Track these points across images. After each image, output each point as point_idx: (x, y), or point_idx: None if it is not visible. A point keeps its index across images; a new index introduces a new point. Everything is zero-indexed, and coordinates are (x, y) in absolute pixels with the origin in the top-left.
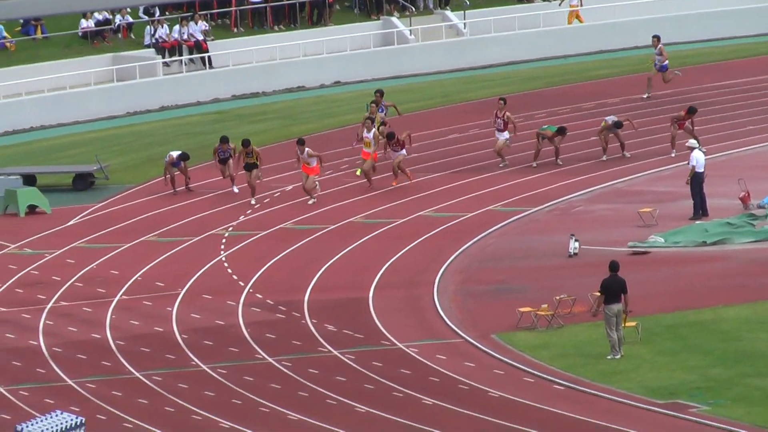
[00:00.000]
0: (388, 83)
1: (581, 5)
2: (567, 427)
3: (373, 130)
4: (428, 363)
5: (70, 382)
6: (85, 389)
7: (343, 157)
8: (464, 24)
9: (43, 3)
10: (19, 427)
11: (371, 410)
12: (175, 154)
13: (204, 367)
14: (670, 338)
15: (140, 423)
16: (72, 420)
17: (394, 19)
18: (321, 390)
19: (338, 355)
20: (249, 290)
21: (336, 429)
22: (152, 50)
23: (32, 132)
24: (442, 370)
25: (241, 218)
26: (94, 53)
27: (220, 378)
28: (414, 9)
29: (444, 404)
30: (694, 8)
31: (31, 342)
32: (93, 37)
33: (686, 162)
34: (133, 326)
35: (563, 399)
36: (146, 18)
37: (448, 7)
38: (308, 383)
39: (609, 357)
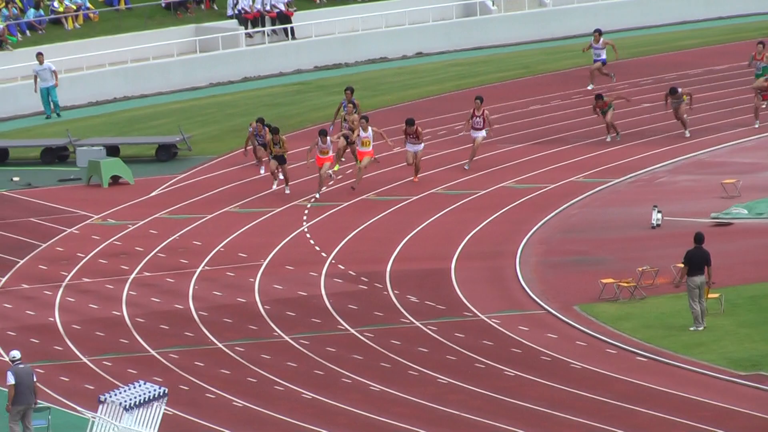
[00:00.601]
0: (469, 54)
1: None
2: (649, 398)
3: (369, 128)
4: (510, 334)
5: (153, 352)
6: (168, 359)
7: (426, 129)
8: None
9: None
10: (102, 397)
11: (453, 381)
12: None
13: (286, 337)
14: (752, 310)
15: (223, 393)
16: (155, 390)
17: None
18: (403, 361)
19: (420, 326)
20: (331, 261)
21: (418, 400)
22: (235, 21)
23: (115, 103)
24: (524, 341)
25: (324, 189)
26: (177, 24)
27: (302, 349)
28: None
29: (526, 375)
30: None
31: (114, 312)
32: (176, 8)
33: None
34: (216, 297)
35: (645, 371)
36: None
37: None
38: (390, 354)
39: (692, 329)
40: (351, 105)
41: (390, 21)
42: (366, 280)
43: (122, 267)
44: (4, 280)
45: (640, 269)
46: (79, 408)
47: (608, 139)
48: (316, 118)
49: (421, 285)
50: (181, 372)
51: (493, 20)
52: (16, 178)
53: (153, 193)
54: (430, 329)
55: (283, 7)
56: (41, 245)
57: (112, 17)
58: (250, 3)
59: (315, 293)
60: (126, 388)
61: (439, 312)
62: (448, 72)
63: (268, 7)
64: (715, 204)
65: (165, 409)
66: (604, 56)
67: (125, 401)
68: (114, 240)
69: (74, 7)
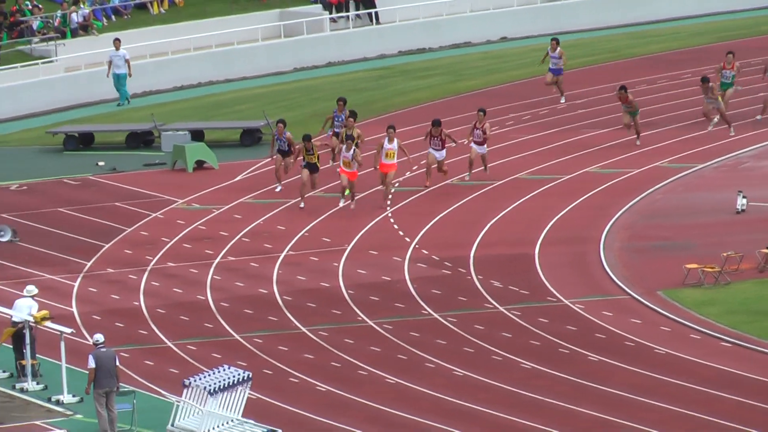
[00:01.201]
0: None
1: None
2: (733, 384)
3: (395, 140)
4: (594, 319)
5: (237, 336)
6: (252, 344)
7: (509, 113)
8: None
9: None
10: (187, 381)
11: (537, 366)
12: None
13: (369, 322)
14: None
15: (306, 378)
16: (239, 374)
17: None
18: (486, 346)
19: (504, 311)
20: (415, 246)
21: (501, 385)
22: (319, 6)
23: (200, 87)
24: (608, 326)
25: (408, 174)
26: (262, 9)
27: (385, 333)
28: None
29: (610, 361)
30: None
31: (198, 297)
32: None
33: None
34: (300, 281)
35: (730, 356)
36: None
37: None
38: (474, 339)
39: None
40: (351, 119)
41: (475, 6)
42: (450, 265)
43: (207, 251)
44: (89, 264)
45: (725, 254)
46: (163, 392)
47: (638, 143)
48: (399, 104)
49: (505, 270)
50: (265, 356)
51: (579, 4)
52: (101, 163)
53: (237, 178)
54: (513, 314)
55: None
56: (126, 230)
57: (198, 2)
58: None
59: (399, 278)
60: (210, 372)
61: (523, 297)
62: (532, 57)
63: None
64: None
65: (249, 394)
66: (561, 66)
67: (209, 385)
68: (198, 224)
69: None
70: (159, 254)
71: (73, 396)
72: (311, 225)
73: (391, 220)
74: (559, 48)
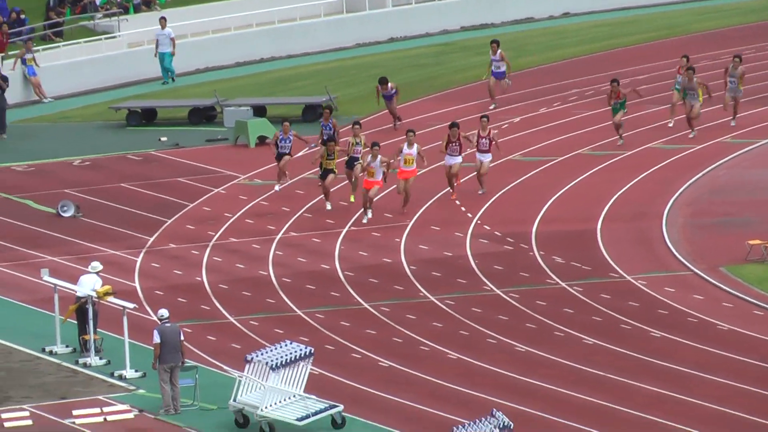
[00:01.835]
0: (616, 15)
1: None
2: None
3: (415, 145)
4: (656, 295)
5: (299, 312)
6: (314, 319)
7: (572, 89)
8: None
9: None
10: (249, 357)
11: (599, 342)
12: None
13: (432, 298)
14: None
15: (368, 353)
16: (301, 350)
17: None
18: (548, 322)
19: (566, 287)
20: (477, 222)
21: (564, 361)
22: None
23: (262, 63)
24: (671, 302)
25: (468, 150)
26: None
27: (447, 309)
28: None
29: (672, 337)
30: None
31: (261, 272)
32: None
33: None
34: (362, 257)
35: None
36: None
37: None
38: (536, 315)
39: None
40: (357, 126)
41: None
42: (512, 240)
43: (269, 227)
44: (151, 239)
45: None
46: (225, 367)
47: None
48: (460, 80)
49: (567, 246)
50: (326, 332)
51: None
52: (163, 138)
53: (299, 154)
54: (575, 290)
55: None
56: (188, 205)
57: None
58: None
59: (461, 254)
60: (272, 347)
61: (585, 273)
62: (594, 33)
63: None
64: None
65: (311, 369)
66: (503, 69)
67: (272, 361)
68: (260, 200)
69: None
70: (221, 230)
71: (136, 371)
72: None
73: (453, 196)
74: (500, 50)
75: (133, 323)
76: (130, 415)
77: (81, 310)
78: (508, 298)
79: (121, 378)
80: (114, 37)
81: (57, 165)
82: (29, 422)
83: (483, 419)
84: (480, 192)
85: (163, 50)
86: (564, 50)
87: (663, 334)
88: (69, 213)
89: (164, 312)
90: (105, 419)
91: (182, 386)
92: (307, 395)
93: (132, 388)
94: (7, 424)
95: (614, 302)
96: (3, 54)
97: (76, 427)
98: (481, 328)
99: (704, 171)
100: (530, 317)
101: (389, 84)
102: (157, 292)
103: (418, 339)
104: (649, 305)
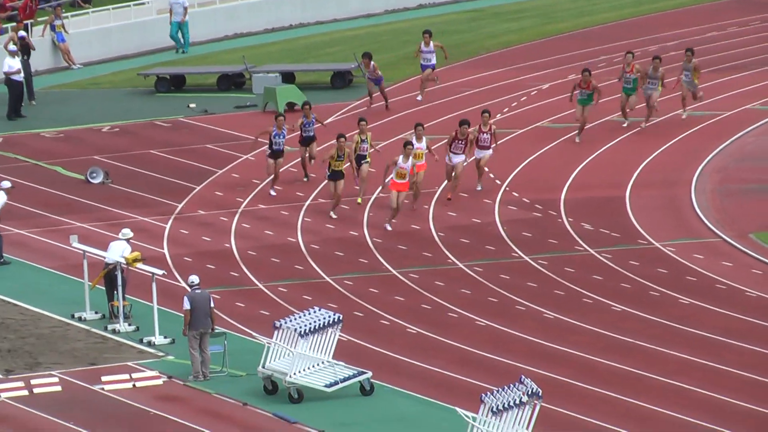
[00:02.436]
0: None
1: None
2: None
3: (424, 138)
4: (685, 262)
5: (327, 278)
6: (343, 286)
7: (600, 56)
8: None
9: None
10: (278, 323)
11: (627, 309)
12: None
13: (460, 264)
14: None
15: (397, 320)
16: (330, 316)
17: None
18: (577, 289)
19: (594, 253)
20: (505, 189)
21: (592, 328)
22: None
23: (291, 30)
24: (699, 269)
25: (498, 116)
26: None
27: (476, 276)
28: None
29: (701, 303)
30: None
31: (289, 239)
32: None
33: None
34: (392, 224)
35: None
36: None
37: None
38: (564, 282)
39: None
40: (363, 122)
41: None
42: (540, 207)
43: (297, 194)
44: (180, 206)
45: None
46: (254, 333)
47: (577, 140)
48: (490, 46)
49: (596, 213)
50: (355, 299)
51: None
52: (192, 105)
53: (328, 120)
54: (604, 257)
55: None
56: (217, 171)
57: None
58: None
59: (489, 220)
60: (301, 314)
61: (614, 240)
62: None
63: None
64: None
65: (339, 336)
66: (434, 61)
67: (300, 327)
68: (289, 167)
69: None
70: (250, 196)
71: (165, 337)
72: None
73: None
74: (432, 42)
75: (162, 290)
76: (159, 382)
77: (110, 276)
78: (536, 265)
79: (150, 344)
80: (143, 3)
81: (86, 131)
82: (58, 388)
83: (511, 386)
84: (478, 188)
85: (176, 19)
86: (594, 17)
87: (692, 300)
88: (98, 179)
89: (195, 278)
90: (134, 385)
91: (211, 353)
92: (335, 362)
93: (161, 354)
94: (36, 390)
95: (643, 269)
96: (32, 20)
97: (105, 393)
98: (509, 295)
99: (733, 138)
100: (559, 284)
101: (372, 63)
102: (185, 258)
103: (447, 306)
104: (678, 272)
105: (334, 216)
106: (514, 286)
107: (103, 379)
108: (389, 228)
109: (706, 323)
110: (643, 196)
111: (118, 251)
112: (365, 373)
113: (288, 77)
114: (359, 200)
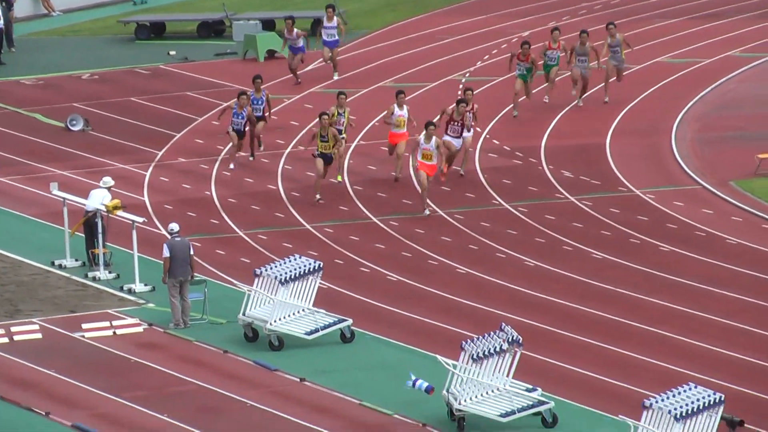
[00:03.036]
0: None
1: None
2: None
3: (405, 107)
4: (665, 209)
5: (308, 226)
6: (323, 233)
7: (582, 2)
8: None
9: None
10: (258, 271)
11: (607, 256)
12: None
13: (441, 212)
14: None
15: (377, 267)
16: (310, 264)
17: None
18: (557, 236)
19: (575, 201)
20: (486, 136)
21: (572, 275)
22: None
23: None
24: (680, 216)
25: (479, 64)
26: None
27: (456, 224)
28: None
29: (681, 251)
30: None
31: (269, 186)
32: None
33: None
34: (370, 171)
35: None
36: None
37: None
38: (545, 229)
39: None
40: (343, 96)
41: None
42: (520, 155)
43: (278, 141)
44: (161, 153)
45: None
46: (235, 281)
47: (514, 115)
48: None
49: (576, 160)
50: (335, 246)
51: None
52: (172, 52)
53: (308, 68)
54: (584, 204)
55: None
56: (197, 119)
57: None
58: None
59: (469, 168)
60: (281, 261)
61: (594, 187)
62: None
63: None
64: None
65: (320, 283)
66: (338, 37)
67: (281, 275)
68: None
69: None
70: (230, 144)
71: (145, 285)
72: (382, 115)
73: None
74: (336, 18)
75: (142, 237)
76: (140, 329)
77: (89, 223)
78: (517, 213)
79: (130, 292)
80: None
81: (65, 79)
82: (39, 335)
83: (492, 333)
84: (461, 172)
85: None
86: None
87: (672, 248)
88: (78, 127)
89: (174, 226)
90: (114, 333)
91: (192, 300)
92: (316, 309)
93: (141, 302)
94: (16, 338)
95: (623, 216)
96: None
97: (86, 340)
98: (490, 243)
99: (713, 85)
100: (539, 231)
101: (295, 30)
102: (166, 206)
103: (427, 253)
104: (658, 219)
105: (322, 201)
106: (494, 233)
107: (84, 326)
108: (427, 213)
109: (687, 271)
110: (624, 144)
111: (99, 199)
112: (346, 320)
113: (268, 24)
114: (339, 178)
